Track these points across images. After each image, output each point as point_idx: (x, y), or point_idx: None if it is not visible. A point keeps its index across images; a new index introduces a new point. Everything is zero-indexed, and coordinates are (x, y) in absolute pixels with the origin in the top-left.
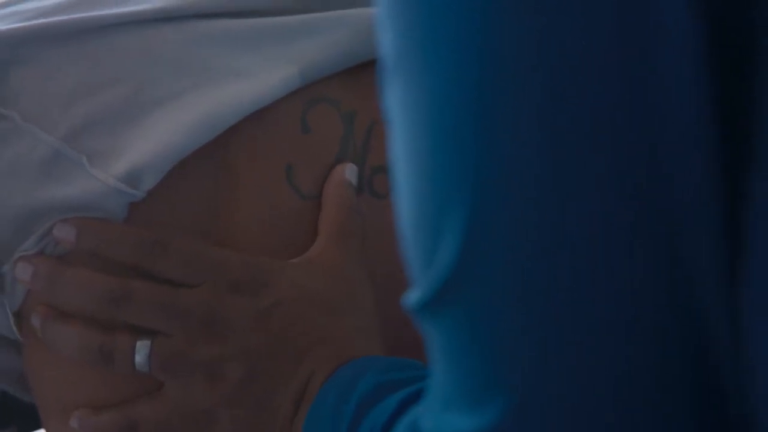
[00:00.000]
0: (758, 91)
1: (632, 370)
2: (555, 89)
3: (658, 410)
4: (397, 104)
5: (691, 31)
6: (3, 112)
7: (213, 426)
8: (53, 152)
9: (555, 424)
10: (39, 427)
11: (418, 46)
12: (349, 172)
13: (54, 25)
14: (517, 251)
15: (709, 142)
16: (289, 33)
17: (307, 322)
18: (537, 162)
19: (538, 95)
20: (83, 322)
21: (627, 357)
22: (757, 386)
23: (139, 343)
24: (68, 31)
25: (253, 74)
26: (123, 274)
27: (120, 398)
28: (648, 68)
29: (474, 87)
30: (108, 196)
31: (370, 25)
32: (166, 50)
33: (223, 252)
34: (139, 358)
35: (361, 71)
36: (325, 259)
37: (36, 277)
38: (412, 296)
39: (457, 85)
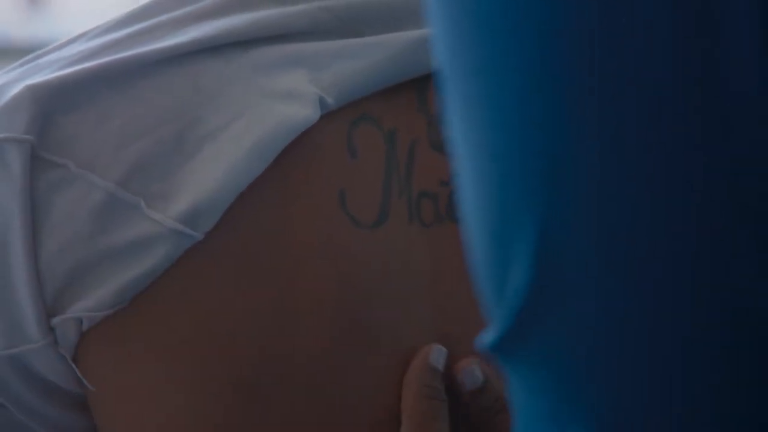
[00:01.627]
0: None
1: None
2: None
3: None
4: (457, 124)
5: None
6: (58, 161)
7: None
8: (108, 197)
9: None
10: None
11: (477, 67)
12: (434, 356)
13: (101, 68)
14: (594, 271)
15: None
16: (326, 57)
17: None
18: (614, 174)
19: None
20: None
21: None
22: None
23: None
24: (115, 72)
25: (295, 96)
26: None
27: None
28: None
29: (539, 100)
30: (167, 239)
31: (407, 49)
32: (209, 82)
33: None
34: None
35: (396, 87)
36: None
37: None
38: (487, 336)
39: (519, 101)
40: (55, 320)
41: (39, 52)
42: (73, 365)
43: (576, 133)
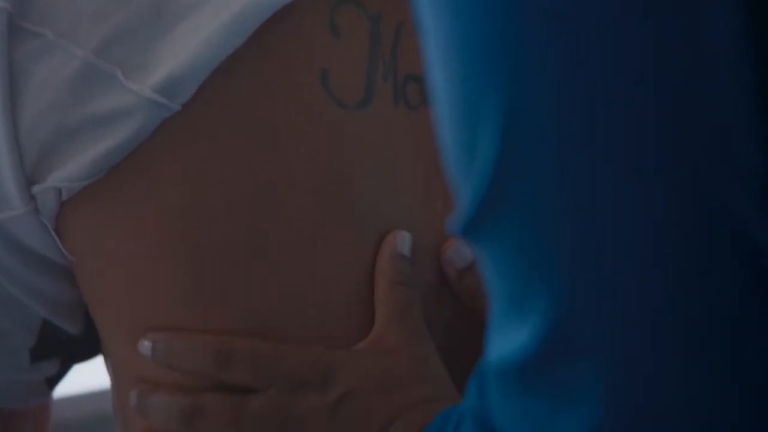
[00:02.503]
0: None
1: (683, 269)
2: None
3: (707, 296)
4: (427, 8)
5: None
6: (36, 30)
7: None
8: (86, 66)
9: (599, 328)
10: (83, 360)
11: None
12: (400, 243)
13: None
14: (560, 144)
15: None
16: None
17: (378, 405)
18: (578, 47)
19: None
20: None
21: (677, 254)
22: None
23: None
24: None
25: None
26: (205, 387)
27: None
28: None
29: None
30: (143, 109)
31: None
32: None
33: (286, 351)
34: None
35: None
36: (388, 341)
37: (136, 406)
38: (457, 218)
39: None
40: (35, 188)
41: None
42: (54, 234)
43: (534, 16)
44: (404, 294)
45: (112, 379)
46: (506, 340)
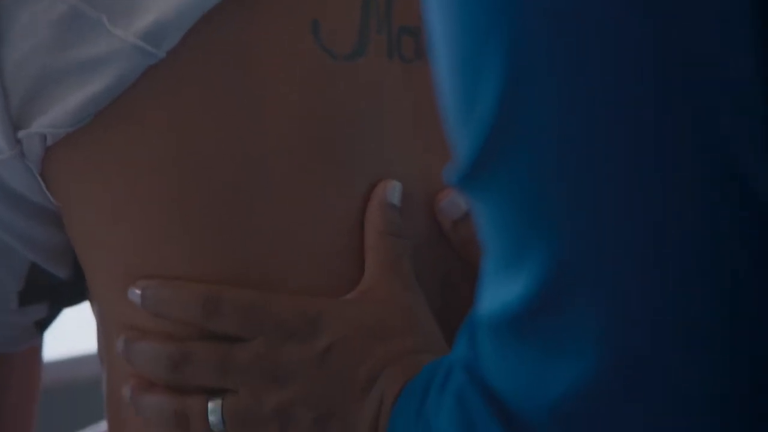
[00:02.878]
0: None
1: (681, 227)
2: None
3: (705, 243)
4: None
5: None
6: None
7: None
8: (71, 10)
9: (597, 278)
10: (71, 304)
11: None
12: (390, 192)
13: None
14: (561, 96)
15: None
16: None
17: (366, 354)
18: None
19: None
20: (162, 389)
21: (675, 213)
22: None
23: (210, 405)
24: None
25: None
26: (193, 335)
27: None
28: None
29: None
30: (128, 55)
31: None
32: None
33: (274, 300)
34: (213, 418)
35: None
36: (378, 291)
37: (123, 352)
38: (454, 169)
39: None
40: (21, 133)
41: None
42: (39, 178)
43: None
44: (394, 244)
45: (98, 325)
46: (500, 292)
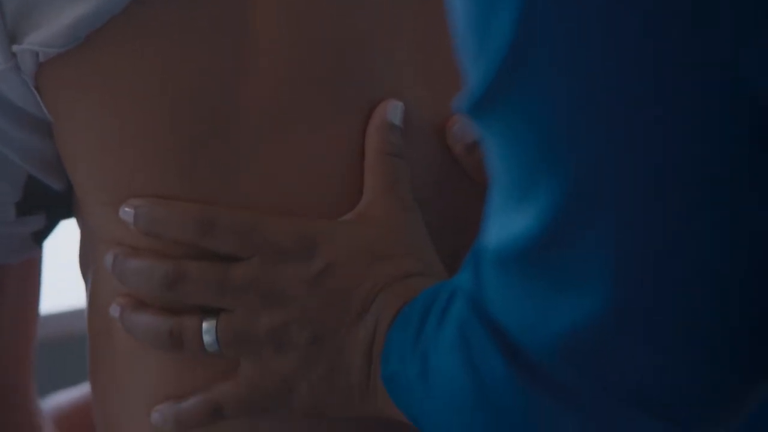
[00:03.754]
0: None
1: (691, 160)
2: None
3: (711, 197)
4: None
5: None
6: None
7: (293, 395)
8: None
9: (611, 210)
10: (67, 216)
11: None
12: (391, 112)
13: None
14: (579, 21)
15: None
16: None
17: (362, 276)
18: None
19: None
20: (155, 308)
21: (689, 130)
22: None
23: (205, 324)
24: None
25: None
26: (187, 254)
27: (199, 385)
28: None
29: None
30: None
31: None
32: None
33: (270, 221)
34: (208, 338)
35: None
36: (375, 212)
37: (113, 268)
38: (466, 96)
39: None
40: (15, 48)
41: None
42: (34, 90)
43: None
44: (393, 164)
45: (82, 238)
46: (508, 224)
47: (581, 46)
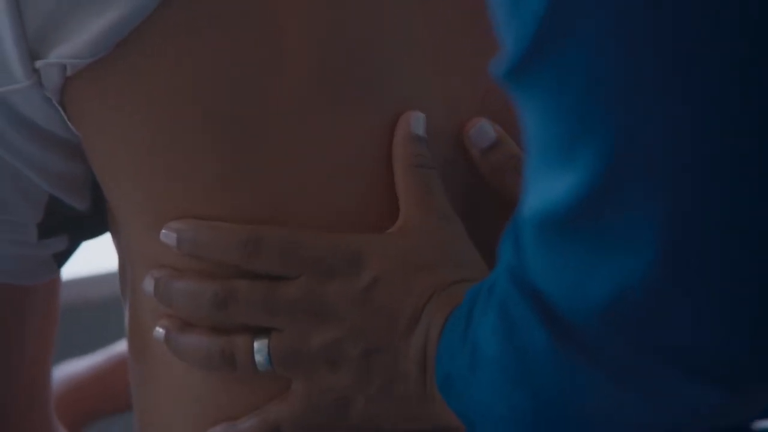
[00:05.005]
0: None
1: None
2: None
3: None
4: None
5: None
6: None
7: (349, 410)
8: None
9: (658, 169)
10: (90, 237)
11: None
12: (414, 123)
13: None
14: None
15: None
16: None
17: (410, 288)
18: None
19: None
20: (204, 329)
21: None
22: None
23: (256, 343)
24: None
25: None
26: (231, 274)
27: (251, 405)
28: None
29: None
30: None
31: None
32: None
33: (314, 238)
34: (260, 357)
35: None
36: (414, 225)
37: (156, 291)
38: (502, 63)
39: None
40: (39, 63)
41: None
42: (59, 107)
43: None
44: (424, 176)
45: (122, 260)
46: (549, 188)
47: (624, 5)
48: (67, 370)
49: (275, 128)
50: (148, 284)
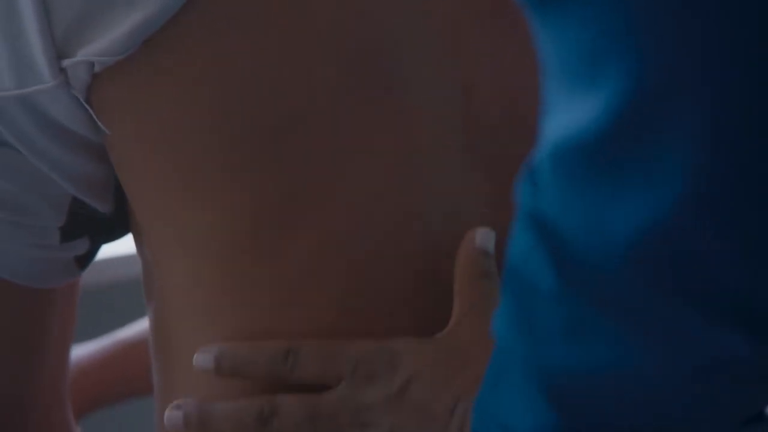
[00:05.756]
0: None
1: None
2: None
3: None
4: None
5: None
6: None
7: None
8: None
9: (686, 98)
10: (112, 239)
11: None
12: (480, 239)
13: None
14: None
15: None
16: None
17: (447, 382)
18: None
19: None
20: None
21: None
22: None
23: None
24: None
25: None
26: (267, 387)
27: None
28: None
29: None
30: None
31: None
32: None
33: (351, 345)
34: None
35: None
36: (463, 333)
37: (188, 425)
38: None
39: None
40: (66, 62)
41: None
42: (87, 106)
43: None
44: (482, 286)
45: (145, 264)
46: (570, 116)
47: None
48: (74, 355)
49: (300, 131)
50: (177, 419)
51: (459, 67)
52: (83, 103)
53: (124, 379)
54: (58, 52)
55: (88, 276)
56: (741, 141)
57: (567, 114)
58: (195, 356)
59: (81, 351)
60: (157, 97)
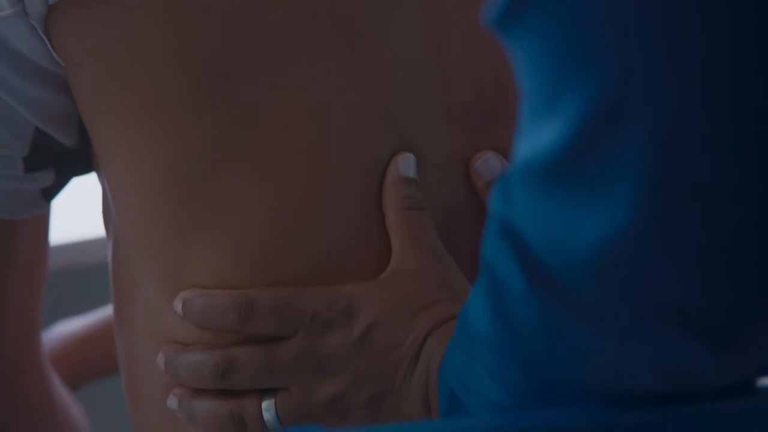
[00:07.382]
0: None
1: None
2: None
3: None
4: None
5: None
6: None
7: None
8: None
9: (638, 119)
10: (78, 174)
11: None
12: (403, 165)
13: None
14: None
15: None
16: None
17: (407, 328)
18: None
19: None
20: (213, 394)
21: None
22: None
23: (264, 403)
24: None
25: None
26: (233, 342)
27: None
28: None
29: None
30: None
31: None
32: None
33: (306, 295)
34: (268, 416)
35: None
36: (408, 267)
37: (166, 367)
38: (493, 8)
39: None
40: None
41: None
42: (44, 36)
43: None
44: (415, 218)
45: (104, 195)
46: (536, 137)
47: None
48: (63, 330)
49: (258, 74)
50: (161, 362)
51: (433, 21)
52: (40, 33)
53: (113, 354)
54: None
55: (75, 255)
56: (682, 168)
57: (533, 134)
58: (173, 303)
59: (70, 325)
60: (111, 32)
